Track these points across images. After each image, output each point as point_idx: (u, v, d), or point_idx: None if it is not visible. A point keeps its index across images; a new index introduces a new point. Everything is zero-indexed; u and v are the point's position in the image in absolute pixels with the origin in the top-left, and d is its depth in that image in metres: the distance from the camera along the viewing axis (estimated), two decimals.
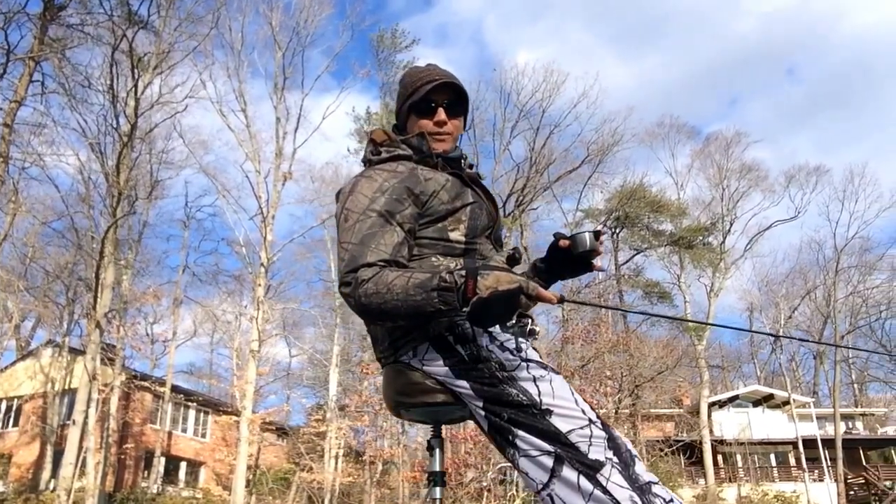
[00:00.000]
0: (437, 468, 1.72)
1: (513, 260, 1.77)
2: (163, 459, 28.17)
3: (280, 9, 25.68)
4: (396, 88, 1.93)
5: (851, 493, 32.31)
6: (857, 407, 40.12)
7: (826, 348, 36.89)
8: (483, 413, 1.57)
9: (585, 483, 1.42)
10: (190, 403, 30.63)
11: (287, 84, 25.65)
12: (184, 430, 30.52)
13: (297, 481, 23.39)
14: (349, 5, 33.70)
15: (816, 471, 33.43)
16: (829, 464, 32.33)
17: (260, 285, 23.66)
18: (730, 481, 32.77)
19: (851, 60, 66.41)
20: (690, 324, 28.31)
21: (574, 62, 65.74)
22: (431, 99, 1.82)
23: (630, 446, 1.52)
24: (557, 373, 1.58)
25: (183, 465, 30.22)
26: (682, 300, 35.22)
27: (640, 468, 1.49)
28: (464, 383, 1.59)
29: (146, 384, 26.68)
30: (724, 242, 35.14)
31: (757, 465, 34.52)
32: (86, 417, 19.76)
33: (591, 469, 1.43)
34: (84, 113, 22.68)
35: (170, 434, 29.23)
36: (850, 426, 36.41)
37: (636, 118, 44.11)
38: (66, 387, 27.11)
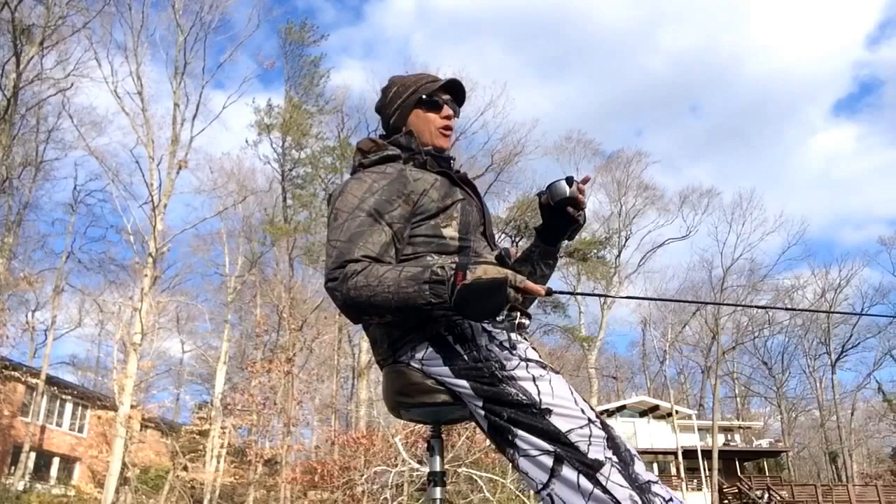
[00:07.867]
0: (437, 468, 1.71)
1: (501, 260, 1.73)
2: (33, 454, 26.59)
3: None
4: (380, 95, 1.95)
5: (726, 501, 33.83)
6: (738, 419, 42.15)
7: (713, 364, 38.50)
8: (483, 413, 1.56)
9: (585, 482, 1.42)
10: (66, 396, 29.01)
11: (188, 70, 24.92)
12: (59, 425, 28.92)
13: (172, 480, 22.57)
14: None
15: (695, 480, 34.89)
16: (707, 473, 33.81)
17: (147, 276, 22.78)
18: None
19: (748, 101, 71.14)
20: (582, 333, 29.04)
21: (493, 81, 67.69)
22: (439, 96, 1.90)
23: (629, 445, 1.52)
24: (557, 372, 1.58)
25: (56, 460, 28.62)
26: (577, 311, 36.21)
27: (640, 467, 1.48)
28: (463, 383, 1.59)
29: (16, 374, 25.11)
30: (619, 256, 36.41)
31: None
32: None
33: (590, 468, 1.43)
34: None
35: (43, 428, 27.64)
36: (729, 438, 38.18)
37: (540, 132, 45.23)
38: None
